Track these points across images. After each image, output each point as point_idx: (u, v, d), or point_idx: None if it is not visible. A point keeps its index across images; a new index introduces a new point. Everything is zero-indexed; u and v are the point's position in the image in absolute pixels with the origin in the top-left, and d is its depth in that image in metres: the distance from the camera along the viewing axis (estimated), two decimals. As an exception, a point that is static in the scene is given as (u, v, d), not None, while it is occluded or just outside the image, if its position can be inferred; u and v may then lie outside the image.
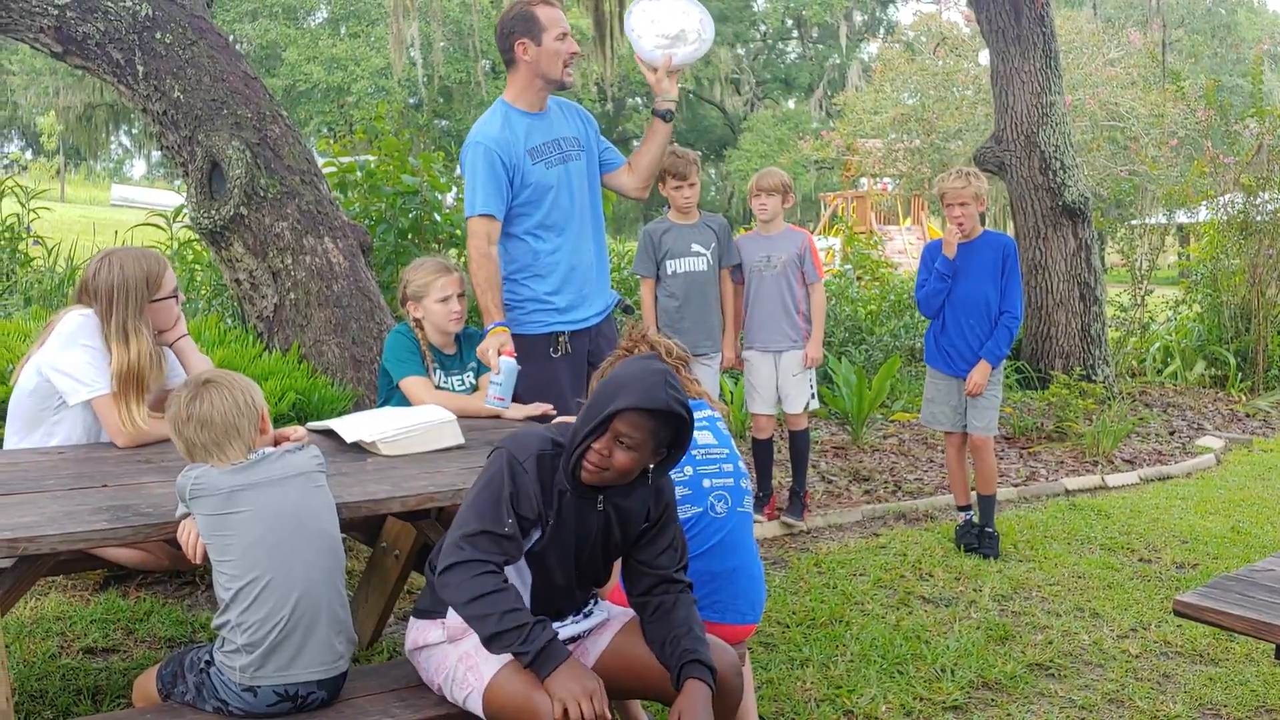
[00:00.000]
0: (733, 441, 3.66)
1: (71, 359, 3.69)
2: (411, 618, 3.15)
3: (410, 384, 4.42)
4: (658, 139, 4.89)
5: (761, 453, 6.53)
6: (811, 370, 6.34)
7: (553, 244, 4.70)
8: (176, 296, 4.00)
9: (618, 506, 3.02)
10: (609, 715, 2.74)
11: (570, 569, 3.03)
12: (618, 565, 3.24)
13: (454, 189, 8.53)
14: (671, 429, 2.91)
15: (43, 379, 3.72)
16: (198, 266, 7.93)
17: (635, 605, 3.09)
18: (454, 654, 2.97)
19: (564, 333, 4.71)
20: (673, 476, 3.27)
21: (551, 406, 4.43)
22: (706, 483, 3.49)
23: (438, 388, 4.49)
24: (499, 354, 4.30)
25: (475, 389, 4.56)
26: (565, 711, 2.69)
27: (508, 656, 2.84)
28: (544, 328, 4.70)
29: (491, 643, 2.78)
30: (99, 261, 3.88)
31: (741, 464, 3.60)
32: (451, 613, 3.01)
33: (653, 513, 3.08)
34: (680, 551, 3.11)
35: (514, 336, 4.63)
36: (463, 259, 8.15)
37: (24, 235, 8.51)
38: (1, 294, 7.79)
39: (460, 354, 4.61)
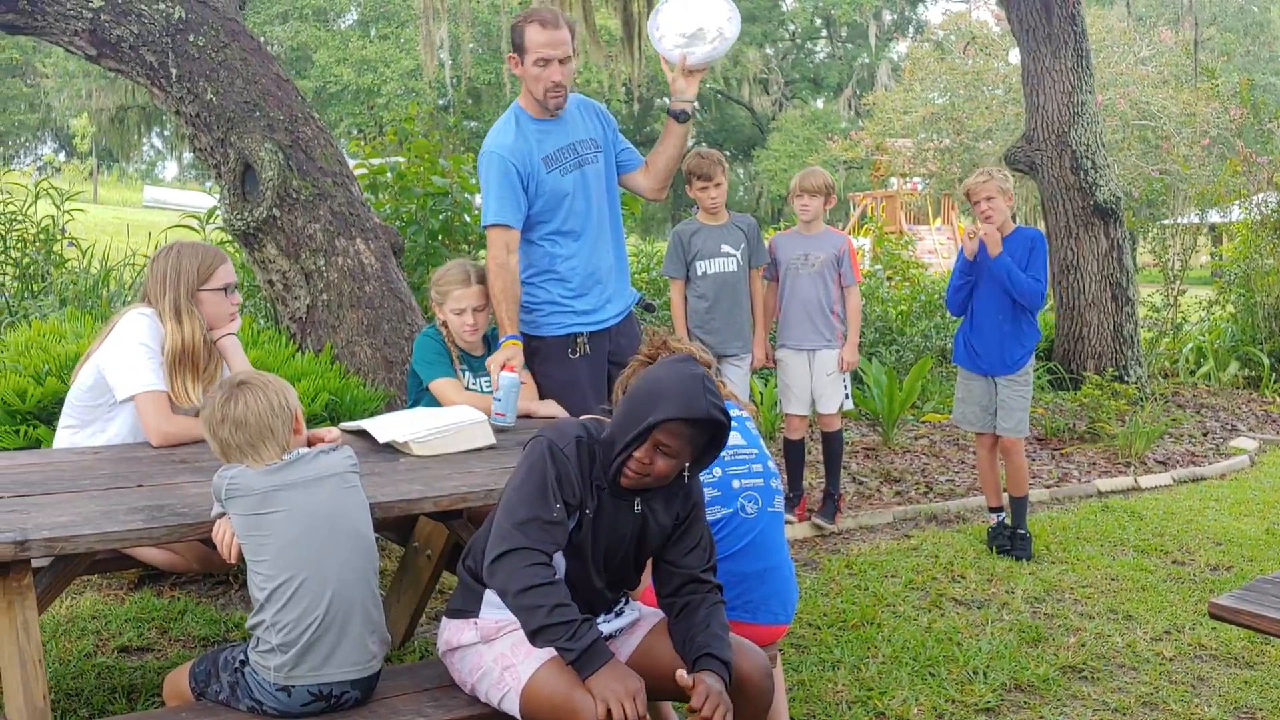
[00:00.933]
0: (762, 441, 3.65)
1: (124, 355, 3.78)
2: (444, 618, 3.15)
3: (440, 385, 4.44)
4: (672, 139, 4.81)
5: (794, 453, 6.51)
6: (845, 372, 6.33)
7: (570, 249, 4.69)
8: (228, 293, 4.04)
9: (653, 510, 3.03)
10: (648, 717, 2.74)
11: (600, 567, 3.03)
12: (647, 568, 3.25)
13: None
14: (709, 432, 2.91)
15: (100, 376, 3.80)
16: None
17: (663, 605, 3.09)
18: (489, 654, 2.98)
19: (582, 333, 4.71)
20: (701, 478, 3.27)
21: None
22: (736, 484, 3.48)
23: (466, 389, 4.51)
24: (500, 369, 4.30)
25: None
26: (608, 712, 2.68)
27: (545, 656, 2.84)
28: (563, 329, 4.70)
29: (537, 636, 2.76)
30: (163, 249, 4.05)
31: (771, 464, 3.60)
32: (484, 612, 3.02)
33: (681, 513, 3.08)
34: (708, 552, 3.11)
35: (533, 339, 4.67)
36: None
37: (59, 237, 8.57)
38: (37, 295, 7.85)
39: (489, 355, 4.62)
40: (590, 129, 4.75)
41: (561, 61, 4.48)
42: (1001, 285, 5.83)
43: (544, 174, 4.58)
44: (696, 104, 4.83)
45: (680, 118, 4.75)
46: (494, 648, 2.98)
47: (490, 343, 4.64)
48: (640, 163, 4.92)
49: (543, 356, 4.71)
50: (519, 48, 4.52)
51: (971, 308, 6.02)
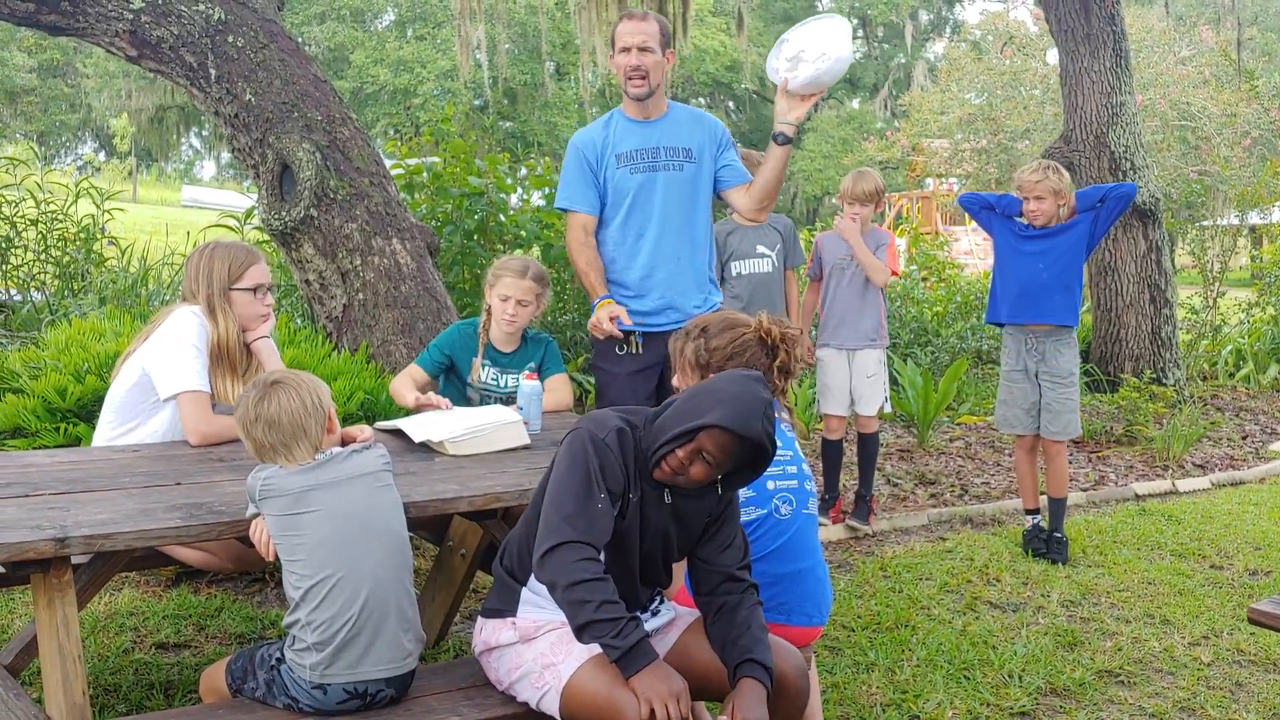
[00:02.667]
0: (797, 443, 3.64)
1: (173, 354, 3.81)
2: (480, 618, 3.15)
3: (411, 369, 4.60)
4: (770, 161, 4.83)
5: (831, 454, 6.50)
6: (884, 373, 6.33)
7: (631, 247, 4.83)
8: (259, 293, 4.07)
9: (682, 504, 3.02)
10: (691, 718, 2.73)
11: (635, 560, 3.02)
12: (680, 568, 3.24)
13: (519, 190, 8.59)
14: (752, 454, 2.91)
15: (144, 374, 3.84)
16: (268, 267, 8.04)
17: (700, 605, 3.08)
18: (528, 653, 2.97)
19: (635, 332, 4.79)
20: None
21: None
22: (771, 484, 3.47)
23: (484, 383, 4.55)
24: (528, 376, 4.36)
25: None
26: (651, 712, 2.66)
27: (587, 655, 2.84)
28: (617, 325, 4.78)
29: (583, 631, 2.74)
30: (199, 248, 4.11)
31: (805, 466, 3.59)
32: (522, 612, 3.02)
33: (714, 510, 3.07)
34: (743, 551, 3.10)
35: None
36: (536, 257, 8.23)
37: (99, 236, 8.64)
38: (77, 294, 7.92)
39: (520, 354, 4.64)
40: (689, 139, 4.85)
41: (642, 49, 4.67)
42: (1061, 239, 5.88)
43: (614, 168, 4.78)
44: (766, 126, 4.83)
45: (778, 139, 4.74)
46: (533, 647, 2.98)
47: (527, 343, 4.67)
48: (741, 181, 4.94)
49: (598, 349, 4.89)
50: (612, 45, 4.77)
51: (1009, 264, 6.01)
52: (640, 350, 4.78)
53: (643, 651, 2.73)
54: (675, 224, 4.82)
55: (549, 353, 4.70)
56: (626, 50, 4.68)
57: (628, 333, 4.77)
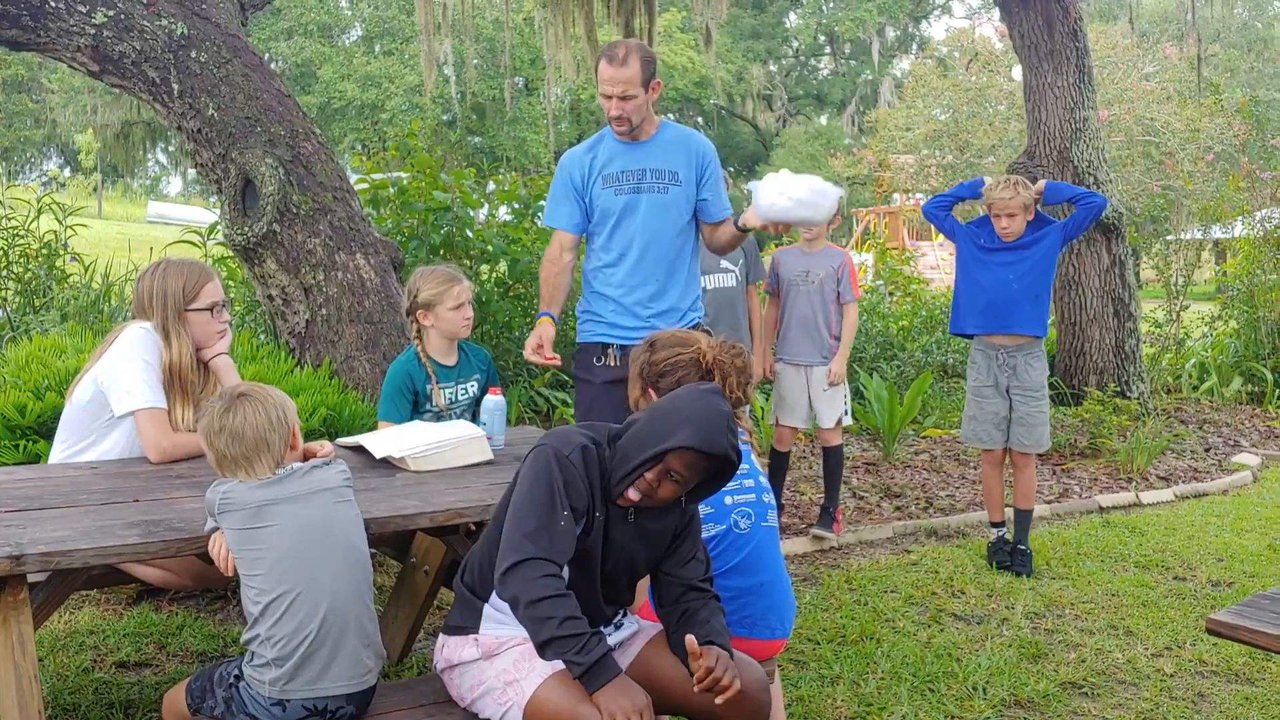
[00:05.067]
0: (754, 458, 3.65)
1: (125, 370, 3.77)
2: (442, 635, 3.13)
3: (381, 427, 4.49)
4: (724, 233, 4.89)
5: (777, 464, 6.51)
6: (844, 385, 6.34)
7: (613, 266, 4.86)
8: (215, 311, 4.02)
9: (647, 522, 3.01)
10: None
11: (598, 578, 3.01)
12: (644, 584, 3.23)
13: (485, 205, 8.59)
14: (718, 467, 2.91)
15: (99, 390, 3.79)
16: (231, 283, 7.99)
17: (662, 616, 3.08)
18: (491, 670, 2.95)
19: (613, 344, 4.85)
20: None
21: None
22: (728, 499, 3.47)
23: (446, 401, 4.52)
24: (491, 391, 4.40)
25: (477, 400, 4.57)
26: None
27: (549, 671, 2.82)
28: (593, 336, 4.91)
29: (546, 648, 2.72)
30: (148, 268, 4.02)
31: (763, 479, 3.59)
32: (485, 628, 3.00)
33: (677, 526, 3.07)
34: (705, 565, 3.10)
35: (576, 344, 5.01)
36: (495, 274, 8.24)
37: (61, 252, 8.57)
38: (39, 310, 7.85)
39: (460, 365, 4.64)
40: (675, 162, 4.85)
41: (623, 98, 4.62)
42: (1035, 245, 5.93)
43: (598, 189, 4.82)
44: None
45: (736, 223, 4.75)
46: (496, 664, 2.96)
47: (464, 352, 4.67)
48: (714, 218, 4.93)
49: (578, 361, 4.99)
50: (596, 77, 4.77)
51: (976, 276, 6.04)
52: (618, 363, 4.81)
53: (606, 667, 2.72)
54: (657, 245, 4.84)
55: (492, 369, 4.77)
56: (608, 98, 4.67)
57: (605, 345, 4.85)
